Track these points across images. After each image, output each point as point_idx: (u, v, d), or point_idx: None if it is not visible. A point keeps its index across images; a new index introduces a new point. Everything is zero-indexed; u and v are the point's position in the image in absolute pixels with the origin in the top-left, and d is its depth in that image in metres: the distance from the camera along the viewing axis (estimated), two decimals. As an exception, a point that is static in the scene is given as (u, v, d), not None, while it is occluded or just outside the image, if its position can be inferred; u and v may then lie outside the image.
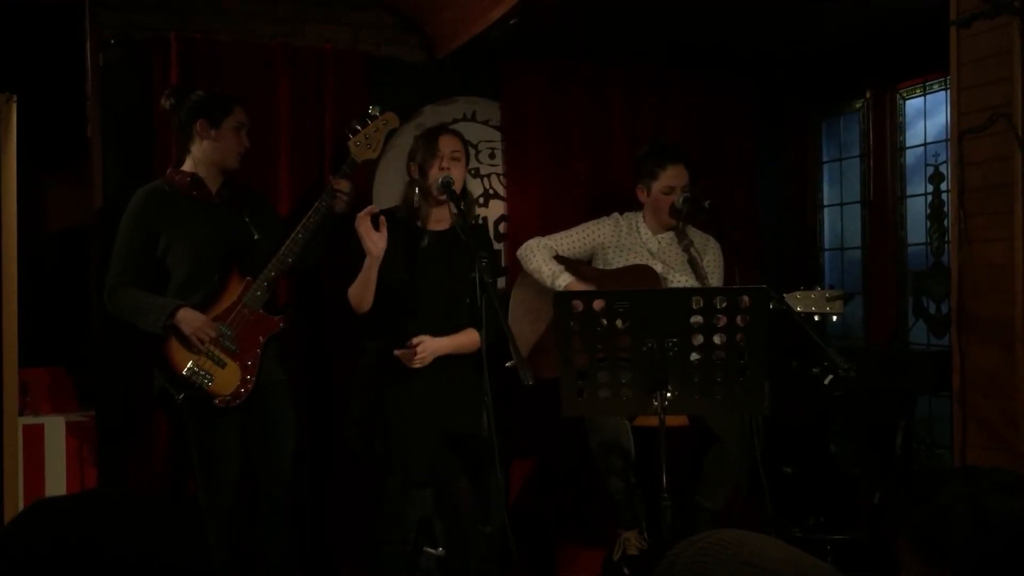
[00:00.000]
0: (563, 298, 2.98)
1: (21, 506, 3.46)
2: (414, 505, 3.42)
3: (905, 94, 4.64)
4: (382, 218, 3.36)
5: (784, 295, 3.41)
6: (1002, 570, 1.32)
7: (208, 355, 3.28)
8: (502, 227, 4.52)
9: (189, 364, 3.26)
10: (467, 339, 3.44)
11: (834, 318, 3.53)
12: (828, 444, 4.62)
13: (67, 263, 4.27)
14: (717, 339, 2.86)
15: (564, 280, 3.75)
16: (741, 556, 1.08)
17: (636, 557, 3.70)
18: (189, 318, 3.25)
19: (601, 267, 3.94)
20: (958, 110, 3.13)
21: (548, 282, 3.76)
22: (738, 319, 2.85)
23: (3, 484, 3.65)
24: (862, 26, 4.10)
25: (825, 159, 5.10)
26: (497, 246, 4.46)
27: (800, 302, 3.50)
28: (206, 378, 3.27)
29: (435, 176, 3.40)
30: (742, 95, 4.80)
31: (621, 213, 4.01)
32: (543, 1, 3.63)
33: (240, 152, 3.48)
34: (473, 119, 4.49)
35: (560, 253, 3.95)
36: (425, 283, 3.41)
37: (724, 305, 2.83)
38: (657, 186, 3.86)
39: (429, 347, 3.36)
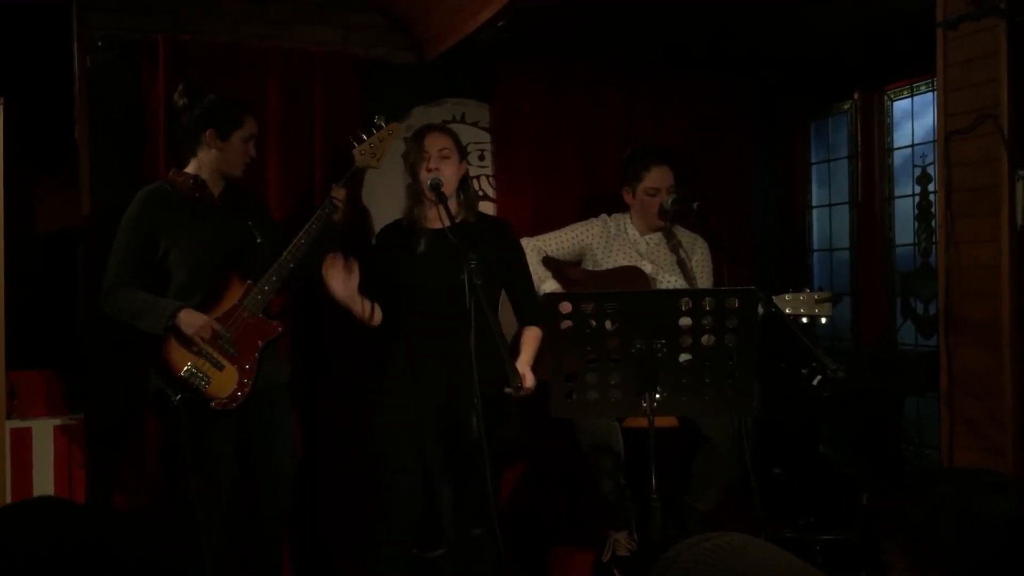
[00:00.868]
0: (551, 300, 2.98)
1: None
2: (410, 506, 3.42)
3: (893, 96, 4.66)
4: (353, 261, 3.33)
5: (773, 297, 3.42)
6: (992, 571, 1.32)
7: (206, 357, 3.28)
8: (491, 229, 4.52)
9: (187, 365, 3.26)
10: (534, 341, 3.43)
11: (823, 320, 3.55)
12: (817, 445, 4.63)
13: (55, 265, 4.25)
14: (706, 340, 2.86)
15: (549, 287, 3.76)
16: (738, 567, 1.06)
17: (626, 558, 3.71)
18: (190, 319, 3.25)
19: (590, 268, 3.95)
20: (945, 112, 3.14)
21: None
22: (727, 320, 2.86)
23: (-9, 487, 3.63)
24: (850, 28, 4.11)
25: (814, 160, 5.12)
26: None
27: (789, 304, 3.51)
28: (203, 380, 3.27)
29: (424, 177, 3.39)
30: (735, 96, 4.81)
31: (609, 214, 4.02)
32: (532, 3, 3.63)
33: (246, 162, 3.50)
34: (462, 121, 4.49)
35: (549, 254, 3.96)
36: (427, 283, 3.39)
37: (713, 307, 2.84)
38: (642, 188, 3.87)
39: (530, 376, 3.34)
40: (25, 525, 1.08)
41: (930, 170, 4.37)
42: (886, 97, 4.68)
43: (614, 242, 3.94)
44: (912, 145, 4.56)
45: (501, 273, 3.44)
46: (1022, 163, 2.91)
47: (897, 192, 4.64)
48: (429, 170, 3.36)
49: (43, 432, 3.63)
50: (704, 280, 3.90)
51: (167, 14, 4.02)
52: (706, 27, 4.13)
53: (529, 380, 3.29)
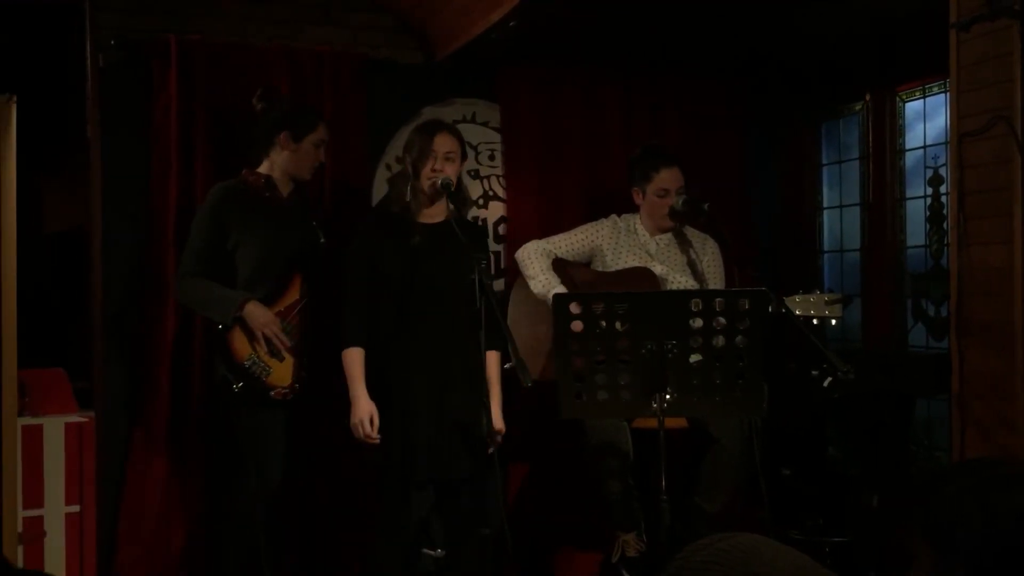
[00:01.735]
0: (561, 300, 2.97)
1: (20, 507, 3.46)
2: (414, 506, 3.41)
3: (905, 97, 4.64)
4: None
5: (783, 298, 3.41)
6: (1014, 558, 1.33)
7: (268, 348, 3.43)
8: (501, 228, 4.52)
9: (249, 354, 3.42)
10: (497, 380, 3.48)
11: (832, 322, 3.54)
12: (827, 446, 4.62)
13: (66, 264, 4.27)
14: (716, 341, 2.85)
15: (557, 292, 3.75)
16: (750, 567, 1.06)
17: (634, 559, 3.70)
18: (256, 312, 3.40)
19: (600, 269, 3.94)
20: (957, 113, 3.12)
21: (540, 291, 3.75)
22: (738, 322, 2.85)
23: (2, 485, 3.64)
24: (862, 29, 4.10)
25: (825, 161, 5.11)
26: (497, 247, 4.47)
27: (799, 306, 3.50)
28: (265, 370, 3.43)
29: (427, 176, 3.39)
30: (732, 98, 4.79)
31: (619, 215, 4.01)
32: (543, 4, 3.63)
33: (315, 166, 3.66)
34: (473, 120, 4.49)
35: (559, 255, 3.95)
36: (421, 278, 3.39)
37: (723, 308, 2.83)
38: (652, 188, 3.86)
39: (500, 426, 3.41)
40: None
41: (942, 171, 4.35)
42: (898, 98, 4.66)
43: (624, 243, 3.93)
44: (924, 146, 4.54)
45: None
46: (1035, 165, 2.89)
47: (908, 193, 4.62)
48: (434, 170, 3.38)
49: (54, 430, 3.64)
50: (715, 281, 3.89)
51: (177, 15, 4.03)
52: (715, 29, 4.12)
53: (501, 426, 3.40)
